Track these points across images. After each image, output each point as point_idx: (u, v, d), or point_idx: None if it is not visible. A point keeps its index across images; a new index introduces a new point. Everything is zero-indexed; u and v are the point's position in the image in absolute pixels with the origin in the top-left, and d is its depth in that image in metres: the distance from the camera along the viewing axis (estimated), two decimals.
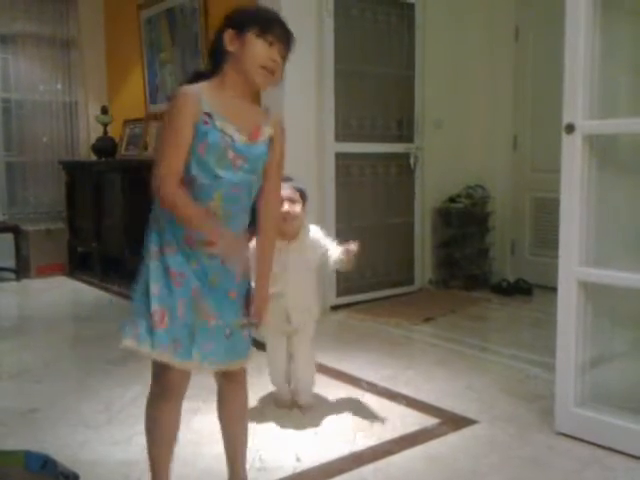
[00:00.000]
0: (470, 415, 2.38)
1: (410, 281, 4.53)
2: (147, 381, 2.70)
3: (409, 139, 4.45)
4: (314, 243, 2.37)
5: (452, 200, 4.63)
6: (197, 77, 1.62)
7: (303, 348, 2.47)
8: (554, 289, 2.26)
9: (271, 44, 1.55)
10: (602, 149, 2.19)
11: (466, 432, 2.26)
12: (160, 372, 1.59)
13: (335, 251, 2.33)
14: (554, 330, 2.23)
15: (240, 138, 1.56)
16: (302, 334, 2.45)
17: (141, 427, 2.28)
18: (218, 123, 1.52)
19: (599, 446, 2.10)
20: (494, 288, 4.50)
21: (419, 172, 4.52)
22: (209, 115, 1.52)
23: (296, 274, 2.33)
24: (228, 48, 1.56)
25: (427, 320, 3.77)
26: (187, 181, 1.53)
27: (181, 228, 1.55)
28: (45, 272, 5.45)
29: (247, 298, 1.68)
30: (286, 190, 2.20)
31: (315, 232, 2.40)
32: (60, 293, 4.97)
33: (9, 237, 5.31)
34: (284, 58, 1.59)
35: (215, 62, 1.61)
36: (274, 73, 1.57)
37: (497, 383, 2.74)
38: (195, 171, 1.53)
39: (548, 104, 4.50)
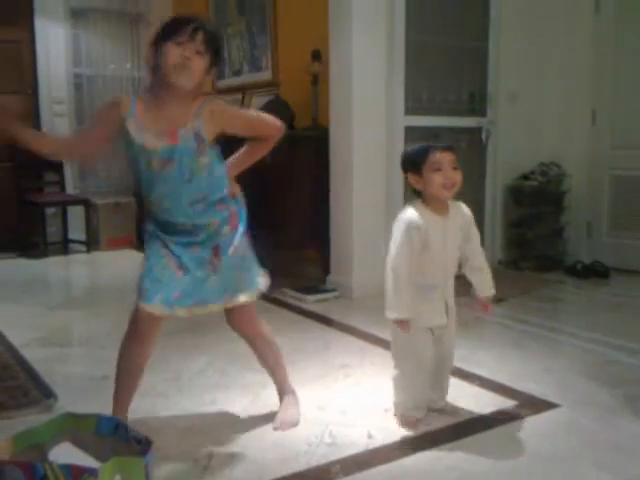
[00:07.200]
0: (549, 398, 2.26)
1: None
2: (214, 353, 2.71)
3: (481, 113, 4.30)
4: (465, 220, 2.09)
5: (525, 177, 4.45)
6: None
7: (452, 343, 2.14)
8: (634, 272, 2.12)
9: (179, 44, 1.69)
10: None
11: (546, 415, 2.14)
12: (133, 318, 1.85)
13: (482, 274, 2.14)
14: (635, 314, 2.10)
15: (159, 143, 1.72)
16: (452, 325, 2.13)
17: (209, 397, 2.29)
18: (133, 133, 1.72)
19: None
20: (568, 270, 4.30)
21: (491, 147, 4.36)
22: (126, 129, 1.72)
23: (452, 253, 2.05)
24: (152, 63, 1.75)
25: (498, 301, 3.62)
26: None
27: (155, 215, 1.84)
28: (114, 245, 5.56)
29: (215, 249, 1.84)
30: (452, 155, 2.04)
31: (467, 210, 2.13)
32: (128, 266, 5.03)
33: (80, 210, 5.44)
34: (200, 52, 1.71)
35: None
36: (185, 68, 1.69)
37: (576, 367, 2.61)
38: (136, 174, 1.81)
39: (631, 76, 4.27)
